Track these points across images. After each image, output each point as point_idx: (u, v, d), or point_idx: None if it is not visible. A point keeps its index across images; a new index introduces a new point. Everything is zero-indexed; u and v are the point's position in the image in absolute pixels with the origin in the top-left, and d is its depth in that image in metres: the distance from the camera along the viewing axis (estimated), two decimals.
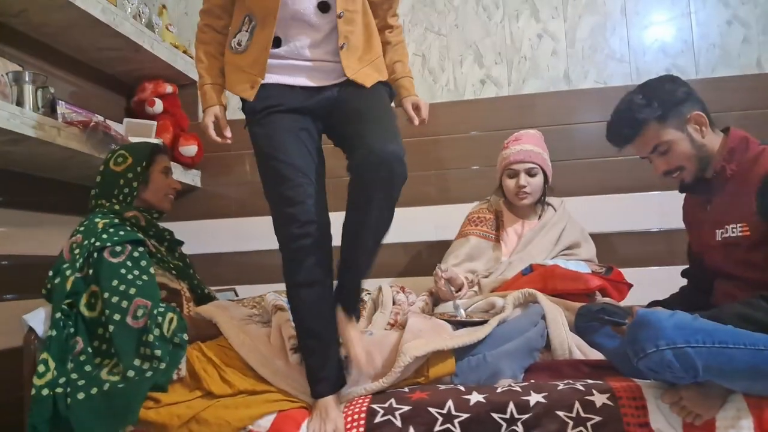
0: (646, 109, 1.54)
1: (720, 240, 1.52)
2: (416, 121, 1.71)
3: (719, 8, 2.65)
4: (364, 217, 1.46)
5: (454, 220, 2.41)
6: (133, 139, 2.29)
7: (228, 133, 1.64)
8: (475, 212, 2.38)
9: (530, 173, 2.25)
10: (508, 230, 2.30)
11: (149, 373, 1.55)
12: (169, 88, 2.77)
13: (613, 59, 2.71)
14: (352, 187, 1.48)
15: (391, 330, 1.84)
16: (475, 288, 2.15)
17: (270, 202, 1.55)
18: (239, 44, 1.60)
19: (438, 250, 2.44)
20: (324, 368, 1.54)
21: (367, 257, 1.52)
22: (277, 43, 1.56)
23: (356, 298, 1.58)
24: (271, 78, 1.57)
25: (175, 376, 1.59)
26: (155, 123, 2.64)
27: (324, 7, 1.55)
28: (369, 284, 1.75)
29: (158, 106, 2.72)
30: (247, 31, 1.59)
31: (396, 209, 1.53)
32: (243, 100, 1.60)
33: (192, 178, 2.83)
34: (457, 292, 2.03)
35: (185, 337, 1.63)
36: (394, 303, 2.05)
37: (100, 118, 2.24)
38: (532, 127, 2.44)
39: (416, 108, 1.72)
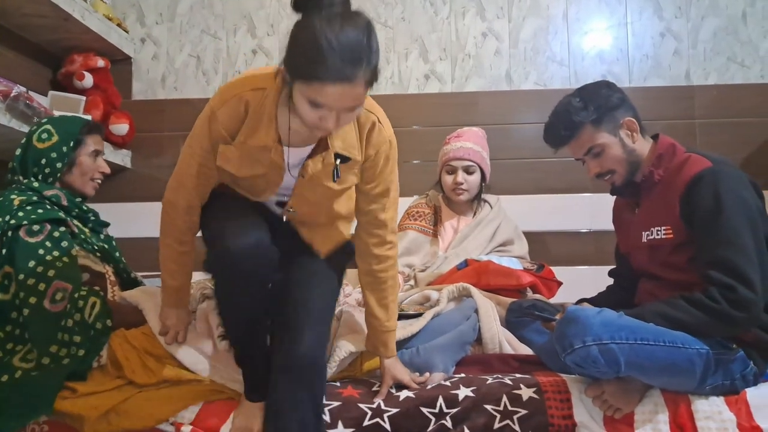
0: (583, 112, 1.58)
1: (646, 242, 1.59)
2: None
3: (654, 20, 2.77)
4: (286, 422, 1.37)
5: None
6: (59, 114, 2.16)
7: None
8: (414, 206, 2.39)
9: (468, 171, 2.27)
10: (445, 225, 2.33)
11: (66, 361, 1.47)
12: (100, 62, 2.64)
13: (554, 62, 2.78)
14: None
15: None
16: (411, 281, 2.16)
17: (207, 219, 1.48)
18: None
19: None
20: (259, 376, 1.47)
21: None
22: None
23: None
24: None
25: (95, 364, 1.52)
26: (84, 98, 2.51)
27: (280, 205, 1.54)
28: None
29: (88, 80, 2.58)
30: None
31: None
32: None
33: (122, 158, 2.70)
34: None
35: (108, 323, 1.56)
36: None
37: (23, 89, 2.10)
38: (473, 125, 2.47)
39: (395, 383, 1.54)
